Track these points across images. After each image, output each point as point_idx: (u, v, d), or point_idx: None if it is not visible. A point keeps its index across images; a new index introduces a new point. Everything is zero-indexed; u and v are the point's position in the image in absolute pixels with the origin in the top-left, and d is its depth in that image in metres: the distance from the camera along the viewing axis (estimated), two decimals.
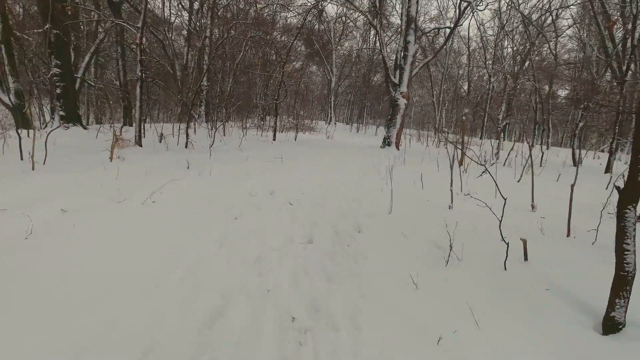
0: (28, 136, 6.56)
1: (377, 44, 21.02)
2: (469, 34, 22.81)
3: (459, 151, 6.39)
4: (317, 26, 21.24)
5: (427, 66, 17.54)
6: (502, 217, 2.60)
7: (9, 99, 8.60)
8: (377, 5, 12.52)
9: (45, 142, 4.94)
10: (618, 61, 10.64)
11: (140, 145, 7.67)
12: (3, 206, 2.90)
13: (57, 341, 1.59)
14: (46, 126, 10.42)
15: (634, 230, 1.83)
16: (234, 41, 14.05)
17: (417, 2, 10.45)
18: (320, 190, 4.70)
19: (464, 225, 3.45)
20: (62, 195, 3.33)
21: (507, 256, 2.55)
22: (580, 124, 10.69)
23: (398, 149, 10.83)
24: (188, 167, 5.22)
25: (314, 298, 2.11)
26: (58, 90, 8.49)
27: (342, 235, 3.10)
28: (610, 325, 1.89)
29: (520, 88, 18.02)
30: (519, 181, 6.48)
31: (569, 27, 19.58)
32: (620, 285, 1.86)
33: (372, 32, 23.87)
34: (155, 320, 1.79)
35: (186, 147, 8.09)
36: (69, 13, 7.85)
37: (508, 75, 16.89)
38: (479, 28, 21.48)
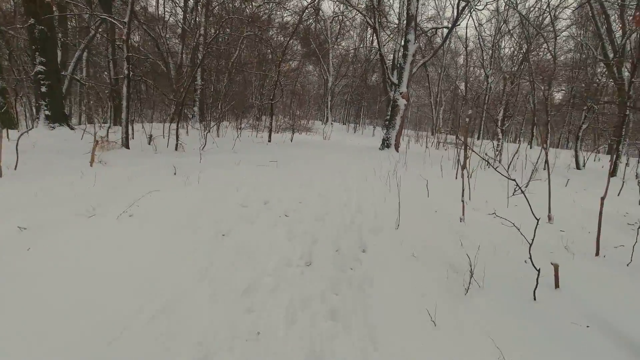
0: (8, 138, 6.11)
1: (375, 43, 20.75)
2: (466, 34, 22.59)
3: (462, 154, 6.05)
4: (313, 25, 20.86)
5: (424, 66, 17.24)
6: (533, 240, 2.24)
7: None
8: (375, 3, 12.15)
9: (17, 144, 4.50)
10: (617, 62, 10.39)
11: (128, 148, 7.24)
12: None
13: None
14: (33, 126, 9.95)
15: None
16: (229, 39, 13.63)
17: (417, 0, 10.10)
18: (319, 199, 4.32)
19: (479, 240, 3.10)
20: (26, 208, 2.92)
21: (537, 284, 2.20)
22: (584, 126, 10.43)
23: (397, 151, 10.49)
24: (175, 173, 4.80)
25: (314, 344, 1.73)
26: (43, 89, 8.04)
27: (345, 256, 2.72)
28: None
29: (518, 89, 17.80)
30: (526, 186, 6.16)
31: (566, 28, 19.42)
32: None
33: (369, 31, 23.57)
34: None
35: (176, 149, 7.67)
36: (53, 8, 7.41)
37: (507, 76, 16.65)
38: (476, 28, 21.24)
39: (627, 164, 9.64)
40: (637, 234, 2.75)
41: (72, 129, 8.65)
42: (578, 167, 10.08)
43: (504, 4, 17.10)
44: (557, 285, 2.32)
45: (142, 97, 13.71)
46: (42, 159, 5.22)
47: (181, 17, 16.67)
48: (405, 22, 10.74)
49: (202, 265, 2.42)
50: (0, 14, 12.40)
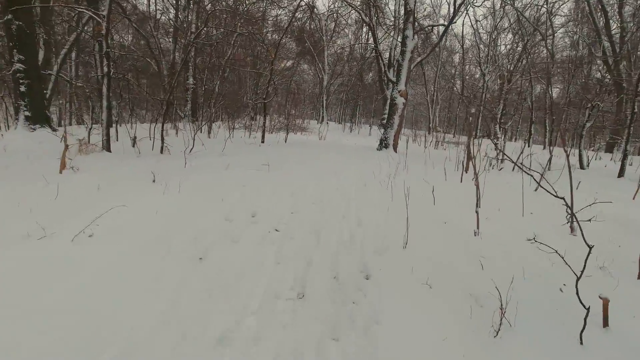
0: None
1: (370, 41, 20.30)
2: (462, 31, 22.23)
3: (462, 154, 5.64)
4: (307, 23, 20.35)
5: (420, 65, 16.85)
6: (582, 272, 1.80)
7: None
8: None
9: None
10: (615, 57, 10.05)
11: (109, 151, 6.72)
12: None
13: None
14: (16, 127, 9.37)
15: None
16: (221, 36, 13.10)
17: None
18: (314, 208, 3.87)
19: (501, 260, 2.67)
20: None
21: (584, 325, 1.77)
22: (588, 124, 10.09)
23: (396, 152, 10.07)
24: (154, 180, 4.32)
25: None
26: (22, 88, 7.51)
27: (344, 285, 2.27)
28: None
29: (514, 87, 17.50)
30: (536, 190, 5.76)
31: (562, 25, 19.19)
32: None
33: (365, 29, 23.14)
34: None
35: (161, 152, 7.16)
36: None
37: (505, 74, 16.33)
38: (472, 26, 20.91)
39: (630, 163, 9.32)
40: None
41: (54, 130, 8.11)
42: (582, 167, 9.72)
43: (500, 0, 16.80)
44: (605, 324, 1.90)
45: (134, 97, 13.17)
46: (8, 165, 4.72)
47: (173, 15, 16.10)
48: (402, 18, 10.32)
49: (169, 302, 1.95)
50: None
